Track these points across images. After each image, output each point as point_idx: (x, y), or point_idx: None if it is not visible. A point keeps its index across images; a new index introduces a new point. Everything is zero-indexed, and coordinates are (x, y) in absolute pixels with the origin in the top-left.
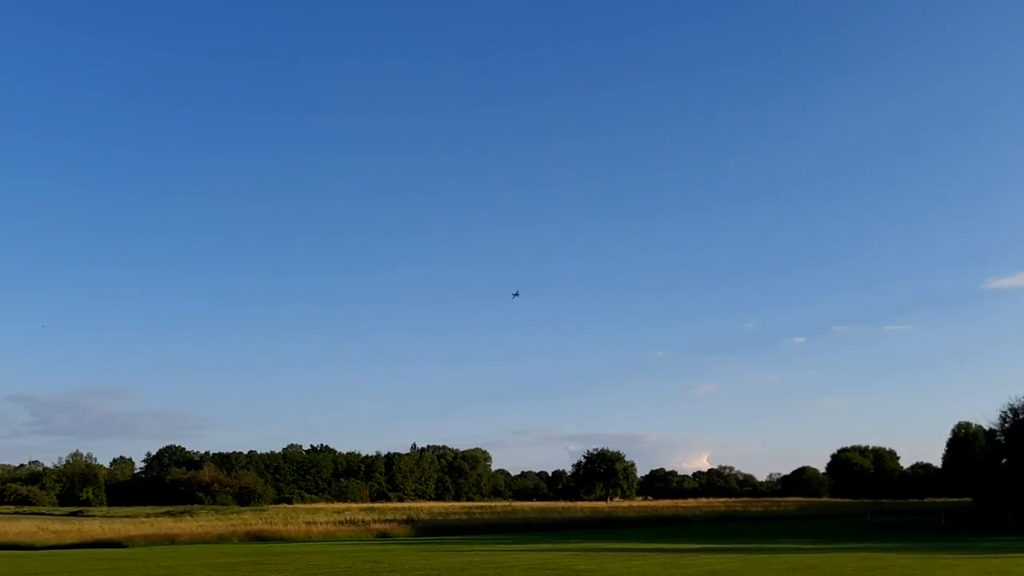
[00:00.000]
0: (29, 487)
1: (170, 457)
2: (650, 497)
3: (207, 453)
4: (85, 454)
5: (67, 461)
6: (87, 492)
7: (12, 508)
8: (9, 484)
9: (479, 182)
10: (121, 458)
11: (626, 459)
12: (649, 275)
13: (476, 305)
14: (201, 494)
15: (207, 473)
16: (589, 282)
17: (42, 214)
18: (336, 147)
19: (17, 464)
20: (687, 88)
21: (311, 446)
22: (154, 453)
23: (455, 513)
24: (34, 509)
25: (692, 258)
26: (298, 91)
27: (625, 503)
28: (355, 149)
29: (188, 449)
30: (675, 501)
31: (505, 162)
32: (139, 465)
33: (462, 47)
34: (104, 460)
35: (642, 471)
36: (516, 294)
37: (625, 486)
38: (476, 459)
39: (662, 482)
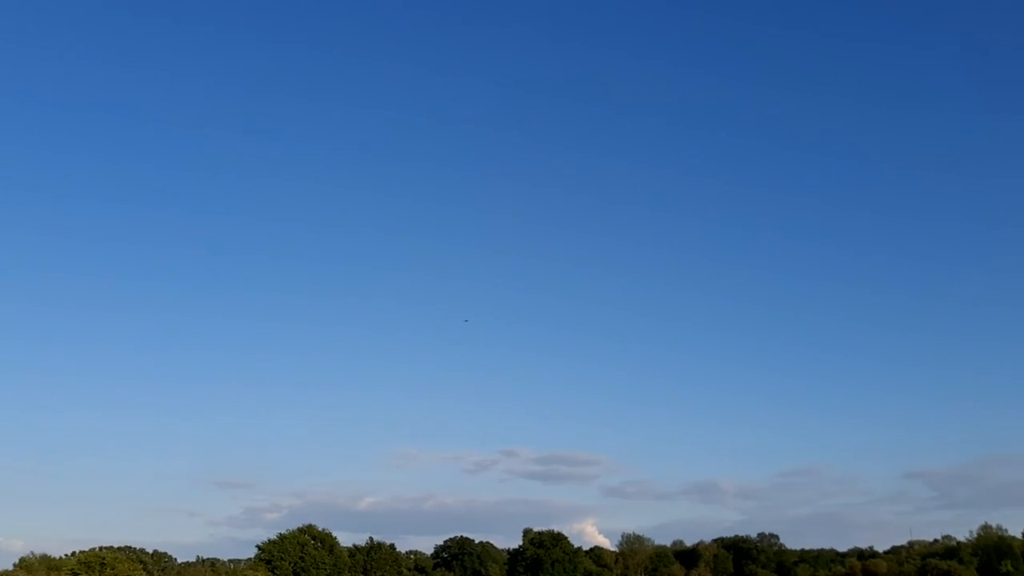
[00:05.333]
0: (948, 562)
1: None
2: None
3: None
4: (995, 525)
5: (978, 534)
6: (1006, 564)
7: None
8: (928, 559)
9: None
10: None
11: None
12: None
13: None
14: None
15: None
16: None
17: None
18: None
19: (930, 539)
20: None
21: None
22: None
23: None
24: None
25: None
26: None
27: None
28: None
29: None
30: None
31: None
32: None
33: None
34: (1015, 530)
35: None
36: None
37: None
38: None
39: None
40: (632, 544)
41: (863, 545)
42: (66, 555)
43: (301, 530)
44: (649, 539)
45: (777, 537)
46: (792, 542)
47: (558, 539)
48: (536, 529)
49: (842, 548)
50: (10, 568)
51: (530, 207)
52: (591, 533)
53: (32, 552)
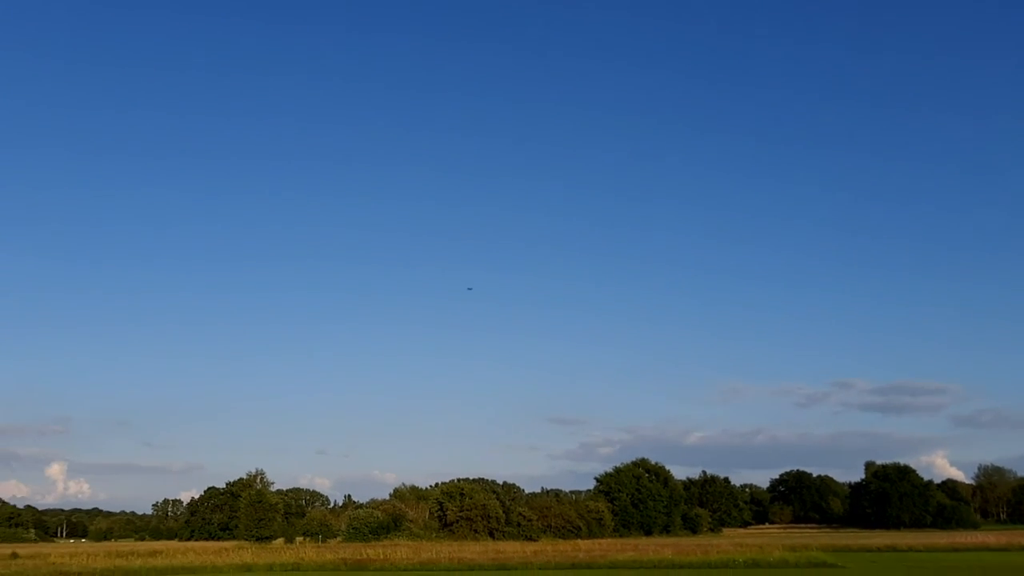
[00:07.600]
0: None
1: None
2: None
3: None
4: None
5: None
6: None
7: None
8: None
9: None
10: None
11: None
12: None
13: None
14: None
15: None
16: None
17: None
18: None
19: None
20: None
21: None
22: None
23: None
24: None
25: None
26: None
27: None
28: None
29: None
30: None
31: None
32: None
33: None
34: None
35: None
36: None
37: None
38: None
39: None
40: (991, 476)
41: None
42: (431, 486)
43: (635, 463)
44: (1011, 471)
45: None
46: None
47: (905, 472)
48: (879, 462)
49: None
50: (386, 497)
51: None
52: (941, 465)
53: (403, 484)
